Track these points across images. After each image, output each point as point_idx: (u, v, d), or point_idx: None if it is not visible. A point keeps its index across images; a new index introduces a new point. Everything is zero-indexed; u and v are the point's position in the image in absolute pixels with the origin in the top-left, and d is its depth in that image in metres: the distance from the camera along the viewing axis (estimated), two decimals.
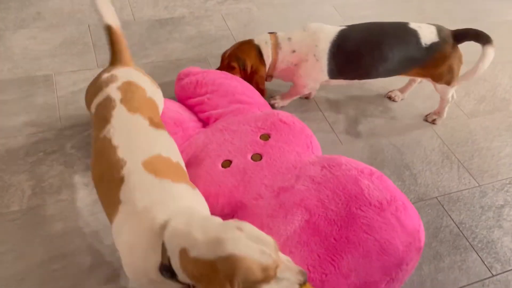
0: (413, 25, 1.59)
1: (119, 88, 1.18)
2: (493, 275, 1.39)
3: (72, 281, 1.20)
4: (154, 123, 1.13)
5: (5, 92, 1.63)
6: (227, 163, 1.28)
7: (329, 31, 1.58)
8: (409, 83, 1.86)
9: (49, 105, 1.62)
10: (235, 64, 1.62)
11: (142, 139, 1.07)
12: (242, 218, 1.19)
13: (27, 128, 1.53)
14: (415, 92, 1.94)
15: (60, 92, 1.67)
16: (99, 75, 1.26)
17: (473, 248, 1.45)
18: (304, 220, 1.13)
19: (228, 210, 1.23)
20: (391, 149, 1.71)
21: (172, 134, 1.36)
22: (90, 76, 1.75)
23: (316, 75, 1.60)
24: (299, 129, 1.37)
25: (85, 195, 1.39)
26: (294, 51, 1.59)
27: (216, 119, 1.48)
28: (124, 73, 1.25)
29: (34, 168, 1.43)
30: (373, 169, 1.24)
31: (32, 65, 1.75)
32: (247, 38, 2.07)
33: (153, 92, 1.27)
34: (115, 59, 1.31)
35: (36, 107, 1.60)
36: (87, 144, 1.52)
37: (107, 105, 1.14)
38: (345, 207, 1.14)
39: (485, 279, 1.37)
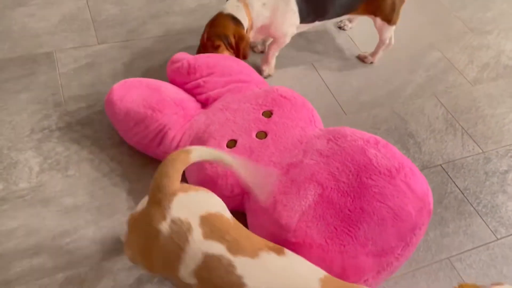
0: None
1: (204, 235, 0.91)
2: (497, 239, 1.41)
3: (83, 254, 1.22)
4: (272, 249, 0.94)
5: (7, 71, 1.62)
6: (232, 143, 1.27)
7: None
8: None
9: (51, 82, 1.62)
10: (219, 42, 1.58)
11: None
12: (252, 197, 1.21)
13: (31, 106, 1.53)
14: (416, 62, 1.93)
15: (62, 69, 1.67)
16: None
17: (478, 213, 1.46)
18: (318, 194, 1.13)
19: (238, 190, 1.24)
20: (395, 118, 1.71)
21: (173, 114, 1.36)
22: (91, 52, 1.75)
23: (290, 18, 1.63)
24: (300, 103, 1.37)
25: (92, 170, 1.40)
26: (264, 4, 1.60)
27: (214, 100, 1.45)
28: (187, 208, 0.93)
29: (40, 145, 1.43)
30: (378, 138, 1.25)
31: (32, 43, 1.74)
32: None
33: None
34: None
35: (38, 85, 1.60)
36: (92, 120, 1.52)
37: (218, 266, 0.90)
38: (356, 178, 1.14)
39: (489, 242, 1.40)
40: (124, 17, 1.92)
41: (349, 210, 1.10)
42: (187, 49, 1.82)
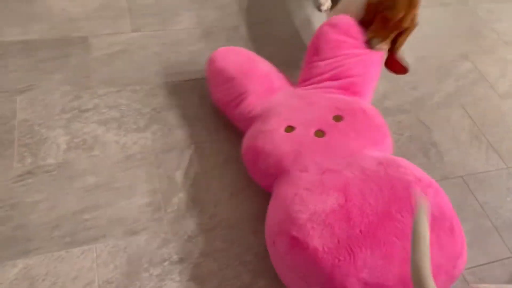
0: None
1: None
2: None
3: (102, 231, 1.27)
4: None
5: (43, 51, 1.69)
6: (290, 129, 1.30)
7: None
8: None
9: (84, 65, 1.67)
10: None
11: None
12: (280, 183, 1.23)
13: (63, 86, 1.59)
14: (446, 71, 1.90)
15: (95, 54, 1.72)
16: None
17: (496, 229, 1.44)
18: (338, 203, 1.09)
19: (272, 171, 1.27)
20: (419, 125, 1.69)
21: (258, 84, 1.44)
22: (124, 39, 1.80)
23: None
24: (376, 124, 1.33)
25: (116, 152, 1.44)
26: None
27: (307, 85, 1.47)
28: None
29: (69, 124, 1.49)
30: (433, 181, 1.17)
31: (69, 26, 1.80)
32: (279, 11, 2.07)
33: None
34: None
35: (71, 67, 1.66)
36: (119, 104, 1.57)
37: None
38: (385, 206, 1.08)
39: (504, 259, 1.37)
40: (158, 7, 1.97)
41: (360, 231, 1.05)
42: (215, 42, 1.86)
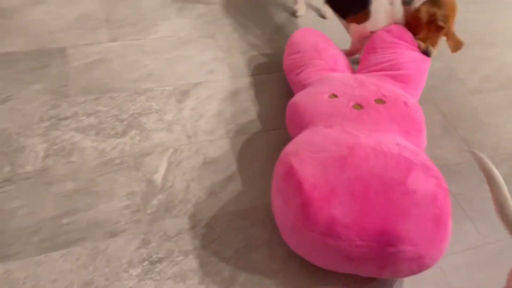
0: None
1: None
2: (486, 243, 1.42)
3: (81, 234, 1.28)
4: None
5: (22, 63, 1.72)
6: (333, 96, 1.43)
7: None
8: None
9: (63, 75, 1.70)
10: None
11: None
12: (305, 131, 1.36)
13: (41, 96, 1.61)
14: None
15: (74, 64, 1.75)
16: None
17: (469, 218, 1.48)
18: (340, 153, 1.20)
19: (305, 125, 1.39)
20: None
21: (322, 60, 1.61)
22: (102, 49, 1.83)
23: None
24: (412, 117, 1.41)
25: (95, 157, 1.46)
26: None
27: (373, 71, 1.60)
28: None
29: (47, 132, 1.51)
30: (441, 177, 1.22)
31: (47, 38, 1.83)
32: (255, 15, 2.12)
33: None
34: None
35: (50, 77, 1.68)
36: (97, 111, 1.60)
37: None
38: (380, 170, 1.17)
39: (478, 246, 1.41)
40: (136, 17, 2.01)
41: (348, 178, 1.16)
42: (192, 50, 1.90)
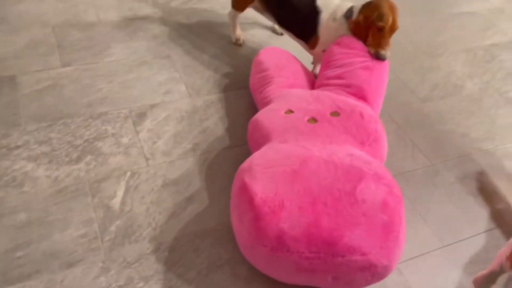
0: None
1: None
2: (444, 246, 1.46)
3: (36, 267, 1.23)
4: None
5: None
6: (289, 112, 1.47)
7: None
8: None
9: (13, 103, 1.65)
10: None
11: None
12: (259, 148, 1.42)
13: None
14: None
15: (24, 91, 1.71)
16: None
17: (426, 222, 1.52)
18: (291, 168, 1.23)
19: (262, 141, 1.43)
20: None
21: (284, 78, 1.66)
22: (54, 74, 1.80)
23: None
24: (367, 127, 1.43)
25: (48, 186, 1.42)
26: None
27: (323, 85, 1.65)
28: None
29: None
30: (395, 184, 1.25)
31: None
32: (210, 36, 2.15)
33: None
34: None
35: (0, 106, 1.63)
36: (50, 138, 1.56)
37: None
38: (331, 181, 1.20)
39: (436, 249, 1.45)
40: (89, 42, 1.99)
41: (298, 191, 1.18)
42: (148, 71, 1.89)
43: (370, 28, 1.61)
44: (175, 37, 2.11)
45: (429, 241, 1.47)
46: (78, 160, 1.51)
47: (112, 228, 1.36)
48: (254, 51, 2.10)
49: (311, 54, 1.86)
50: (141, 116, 1.71)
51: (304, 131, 1.39)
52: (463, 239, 1.49)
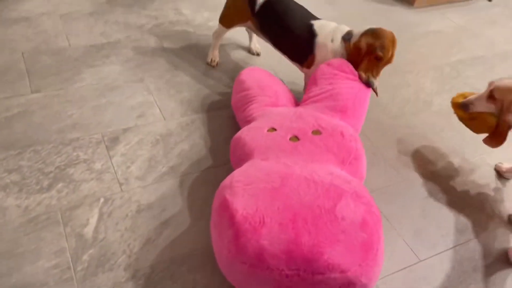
0: None
1: None
2: (420, 260, 1.47)
3: None
4: None
5: None
6: (271, 130, 1.49)
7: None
8: None
9: None
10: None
11: None
12: (241, 165, 1.42)
13: None
14: None
15: None
16: None
17: (401, 237, 1.54)
18: (272, 185, 1.24)
19: (242, 158, 1.45)
20: None
21: (266, 97, 1.69)
22: (24, 101, 1.77)
23: None
24: (348, 146, 1.45)
25: (18, 216, 1.38)
26: None
27: (310, 103, 1.67)
28: None
29: None
30: (373, 204, 1.26)
31: None
32: (183, 58, 2.16)
33: None
34: None
35: None
36: (20, 166, 1.52)
37: None
38: (311, 199, 1.21)
39: (412, 264, 1.46)
40: (59, 68, 1.96)
41: (278, 208, 1.18)
42: (120, 96, 1.88)
43: (368, 55, 1.67)
44: (148, 60, 2.10)
45: (406, 256, 1.48)
46: (49, 188, 1.47)
47: (85, 257, 1.32)
48: (228, 72, 2.12)
49: (305, 73, 1.89)
50: (114, 140, 1.69)
51: (286, 149, 1.41)
52: (439, 253, 1.51)
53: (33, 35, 2.12)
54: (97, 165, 1.58)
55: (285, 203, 1.19)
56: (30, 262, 1.28)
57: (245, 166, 1.35)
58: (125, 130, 1.74)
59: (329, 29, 1.76)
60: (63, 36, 2.16)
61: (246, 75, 1.80)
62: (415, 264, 1.46)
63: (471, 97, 1.62)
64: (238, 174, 1.30)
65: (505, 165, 1.82)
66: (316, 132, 1.48)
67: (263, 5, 1.86)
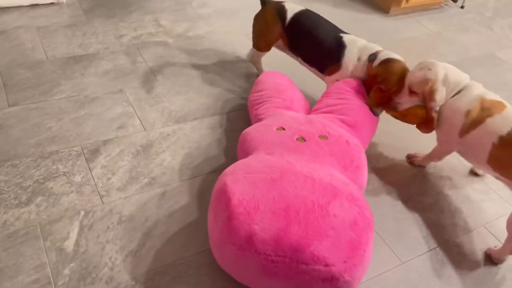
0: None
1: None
2: (402, 263, 1.49)
3: None
4: None
5: None
6: (280, 129, 1.53)
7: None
8: None
9: None
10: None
11: None
12: (249, 155, 1.47)
13: None
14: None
15: None
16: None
17: (383, 240, 1.55)
18: (271, 176, 1.29)
19: (248, 151, 1.49)
20: None
21: (281, 99, 1.75)
22: (1, 115, 1.74)
23: None
24: (352, 155, 1.50)
25: None
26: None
27: (325, 112, 1.72)
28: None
29: None
30: (366, 206, 1.30)
31: None
32: (162, 69, 2.16)
33: None
34: None
35: None
36: (0, 181, 1.49)
37: None
38: (307, 194, 1.25)
39: (395, 267, 1.48)
40: (37, 80, 1.94)
41: (274, 197, 1.23)
42: (100, 107, 1.86)
43: (376, 84, 1.72)
44: (127, 72, 2.10)
45: (388, 259, 1.50)
46: (28, 202, 1.45)
47: (66, 271, 1.30)
48: (207, 82, 2.13)
49: (327, 82, 1.94)
50: (94, 152, 1.67)
51: (291, 147, 1.46)
52: (420, 255, 1.53)
53: (10, 48, 2.10)
54: (77, 178, 1.56)
55: (281, 193, 1.24)
56: (9, 277, 1.25)
57: (249, 158, 1.42)
58: (105, 142, 1.72)
59: (359, 45, 1.82)
60: (41, 48, 2.14)
61: (265, 77, 1.89)
62: (397, 266, 1.48)
63: (395, 98, 1.70)
64: (241, 163, 1.36)
65: (419, 154, 1.89)
66: (323, 137, 1.52)
67: (292, 18, 1.92)
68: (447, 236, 1.61)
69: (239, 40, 2.49)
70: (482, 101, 1.53)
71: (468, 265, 1.52)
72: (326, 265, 1.13)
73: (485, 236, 1.63)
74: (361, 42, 1.84)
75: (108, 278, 1.30)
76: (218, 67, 2.24)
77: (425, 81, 1.58)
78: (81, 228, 1.41)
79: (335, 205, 1.24)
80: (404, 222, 1.63)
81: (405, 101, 1.66)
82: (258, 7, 2.07)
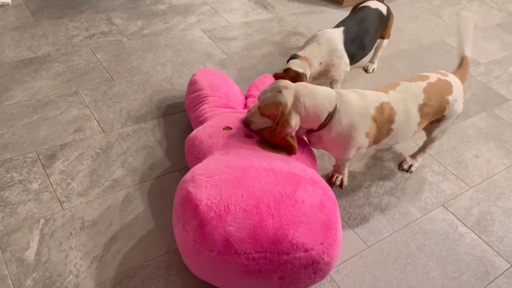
0: (373, 6, 2.18)
1: None
2: (368, 246, 1.53)
3: None
4: None
5: None
6: (227, 128, 1.53)
7: (337, 34, 1.99)
8: (375, 54, 2.43)
9: None
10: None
11: None
12: (202, 159, 1.45)
13: None
14: None
15: None
16: None
17: (349, 226, 1.59)
18: (234, 175, 1.27)
19: (200, 156, 1.47)
20: None
21: (217, 97, 1.74)
22: None
23: (344, 68, 2.01)
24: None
25: None
26: (320, 63, 1.93)
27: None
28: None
29: None
30: (328, 188, 1.34)
31: None
32: (117, 68, 2.10)
33: None
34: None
35: None
36: None
37: None
38: (272, 185, 1.26)
39: (362, 251, 1.51)
40: None
41: (242, 195, 1.22)
42: (54, 111, 1.80)
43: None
44: (81, 73, 2.03)
45: (355, 244, 1.53)
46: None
47: (29, 282, 1.25)
48: (165, 80, 2.09)
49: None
50: (51, 158, 1.61)
51: (244, 144, 1.46)
52: (385, 237, 1.57)
53: None
54: (34, 185, 1.50)
55: (248, 191, 1.23)
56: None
57: (205, 161, 1.38)
58: (63, 146, 1.66)
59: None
60: None
61: (198, 77, 1.85)
62: (364, 250, 1.52)
63: (248, 114, 1.52)
64: (199, 168, 1.33)
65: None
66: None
67: None
68: (409, 217, 1.66)
69: (196, 35, 2.46)
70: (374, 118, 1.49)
71: (431, 243, 1.57)
72: (306, 250, 1.15)
73: (445, 215, 1.69)
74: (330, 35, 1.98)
75: (74, 286, 1.26)
76: (176, 65, 2.21)
77: (275, 104, 1.42)
78: (42, 237, 1.36)
79: (301, 192, 1.26)
80: (369, 207, 1.67)
81: (258, 121, 1.48)
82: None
